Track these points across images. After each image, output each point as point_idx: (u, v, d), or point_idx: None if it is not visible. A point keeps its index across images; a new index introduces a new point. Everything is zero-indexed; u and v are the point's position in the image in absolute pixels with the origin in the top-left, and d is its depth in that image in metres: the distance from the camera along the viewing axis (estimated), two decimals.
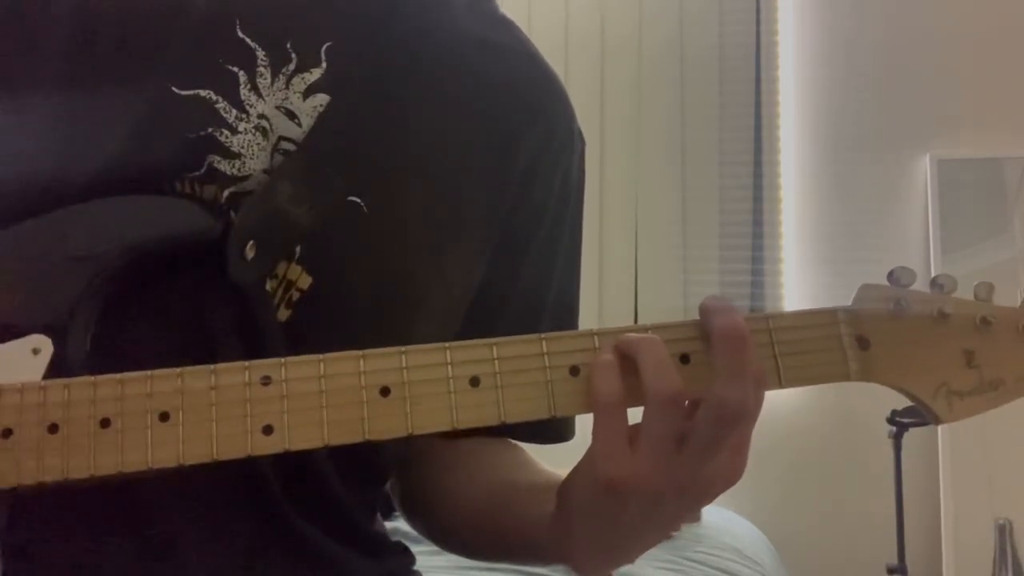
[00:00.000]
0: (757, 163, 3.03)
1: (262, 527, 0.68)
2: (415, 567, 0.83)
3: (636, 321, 3.00)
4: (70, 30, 0.67)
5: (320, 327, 0.67)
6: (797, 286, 2.99)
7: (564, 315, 0.84)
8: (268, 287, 0.66)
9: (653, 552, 2.32)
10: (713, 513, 2.55)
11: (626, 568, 1.99)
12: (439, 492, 0.80)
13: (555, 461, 0.78)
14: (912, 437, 2.50)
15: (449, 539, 0.82)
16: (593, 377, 0.58)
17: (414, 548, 0.84)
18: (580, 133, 0.86)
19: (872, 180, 2.96)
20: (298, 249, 0.67)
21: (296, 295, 0.67)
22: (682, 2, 3.05)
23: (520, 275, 0.80)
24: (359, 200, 0.69)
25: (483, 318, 0.77)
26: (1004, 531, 2.68)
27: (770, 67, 3.03)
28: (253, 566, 0.67)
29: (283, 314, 0.67)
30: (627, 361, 0.58)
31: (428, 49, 0.75)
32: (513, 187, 0.78)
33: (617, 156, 3.03)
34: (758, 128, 3.03)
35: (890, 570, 2.47)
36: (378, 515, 0.81)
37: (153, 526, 0.64)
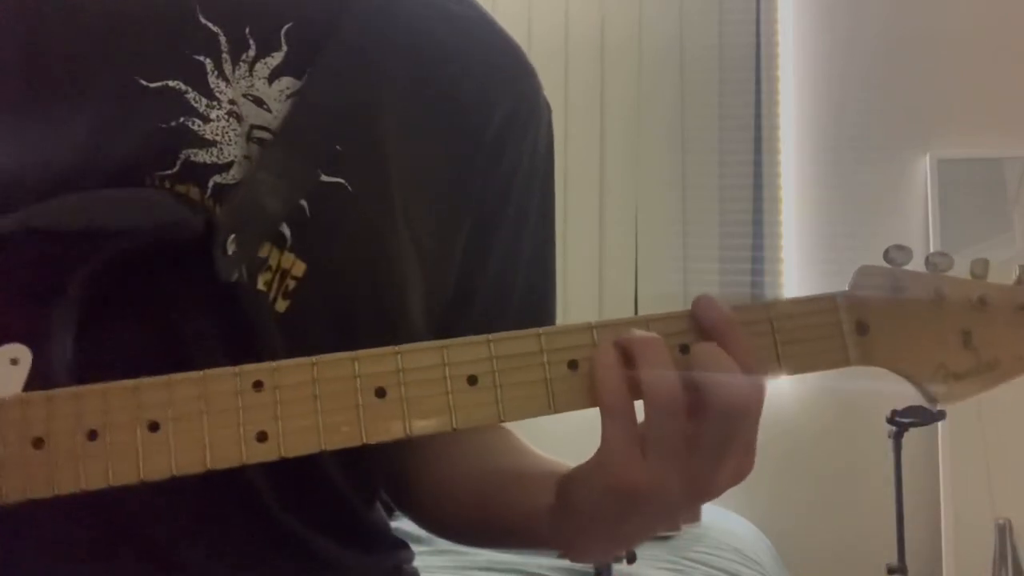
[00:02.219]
0: (757, 163, 3.03)
1: (255, 532, 0.67)
2: (414, 564, 0.83)
3: None
4: (20, 25, 0.65)
5: (319, 313, 0.67)
6: (797, 286, 2.98)
7: (536, 293, 0.83)
8: (263, 281, 0.65)
9: (653, 552, 2.31)
10: (713, 513, 2.55)
11: (626, 568, 2.00)
12: (428, 477, 0.79)
13: (550, 451, 0.78)
14: (912, 437, 2.50)
15: (439, 524, 0.81)
16: (598, 380, 0.57)
17: (413, 548, 0.84)
18: (546, 102, 0.84)
19: (872, 180, 2.96)
20: (289, 236, 0.66)
21: (292, 283, 0.66)
22: (682, 2, 3.05)
23: (491, 251, 0.79)
24: (343, 180, 0.68)
25: (456, 299, 0.76)
26: (1004, 531, 2.68)
27: (770, 67, 3.03)
28: (248, 572, 0.67)
29: (281, 305, 0.66)
30: (628, 358, 0.57)
31: (392, 23, 0.74)
32: (483, 159, 0.77)
33: (617, 156, 3.03)
34: (758, 128, 3.03)
35: (890, 570, 2.47)
36: (379, 507, 0.81)
37: (145, 540, 0.64)
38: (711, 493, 0.59)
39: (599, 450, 0.58)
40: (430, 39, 0.76)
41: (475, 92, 0.77)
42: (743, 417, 0.57)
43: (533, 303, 0.83)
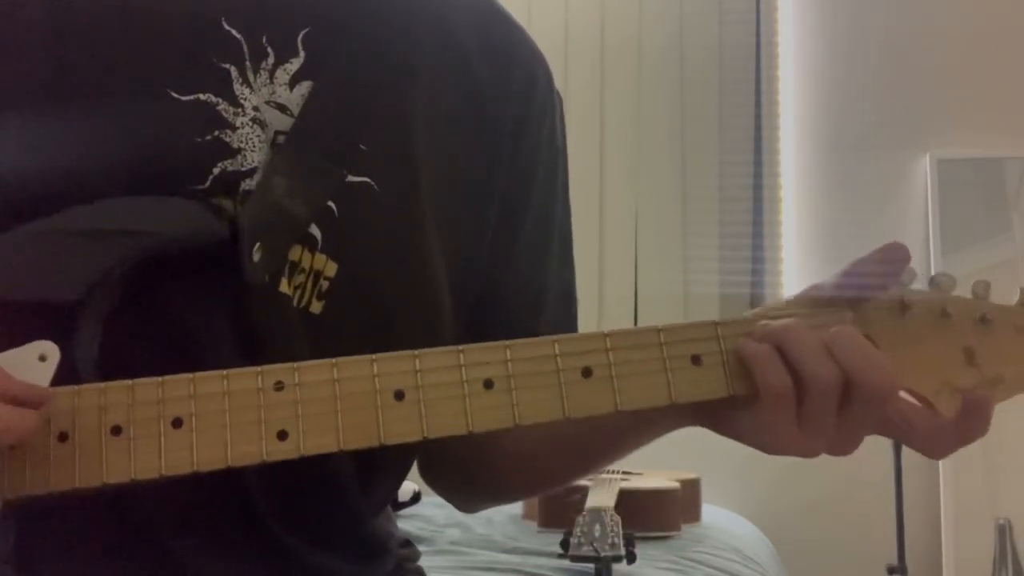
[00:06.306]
0: (757, 163, 3.03)
1: (256, 549, 0.67)
2: (418, 563, 0.83)
3: (635, 323, 3.00)
4: (45, 38, 0.65)
5: (354, 312, 0.67)
6: (797, 286, 2.97)
7: (563, 298, 0.84)
8: (293, 283, 0.65)
9: (653, 552, 2.30)
10: (713, 513, 2.55)
11: (627, 568, 1.99)
12: (502, 442, 0.77)
13: None
14: None
15: (488, 489, 0.82)
16: (760, 371, 0.59)
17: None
18: (557, 92, 0.85)
19: (872, 180, 2.96)
20: (319, 238, 0.66)
21: (325, 284, 0.66)
22: (682, 2, 3.05)
23: (517, 242, 0.79)
24: (370, 180, 0.68)
25: (485, 296, 0.76)
26: (1004, 531, 2.68)
27: (770, 67, 3.02)
28: None
29: (316, 306, 0.66)
30: (779, 348, 0.60)
31: (406, 18, 0.75)
32: (504, 148, 0.77)
33: (617, 156, 3.03)
34: (758, 128, 3.03)
35: (890, 570, 2.47)
36: (388, 509, 0.81)
37: (154, 550, 0.64)
38: (845, 452, 0.61)
39: (756, 427, 0.60)
40: (446, 32, 0.77)
41: (493, 83, 0.78)
42: (884, 396, 0.60)
43: (563, 300, 0.83)
